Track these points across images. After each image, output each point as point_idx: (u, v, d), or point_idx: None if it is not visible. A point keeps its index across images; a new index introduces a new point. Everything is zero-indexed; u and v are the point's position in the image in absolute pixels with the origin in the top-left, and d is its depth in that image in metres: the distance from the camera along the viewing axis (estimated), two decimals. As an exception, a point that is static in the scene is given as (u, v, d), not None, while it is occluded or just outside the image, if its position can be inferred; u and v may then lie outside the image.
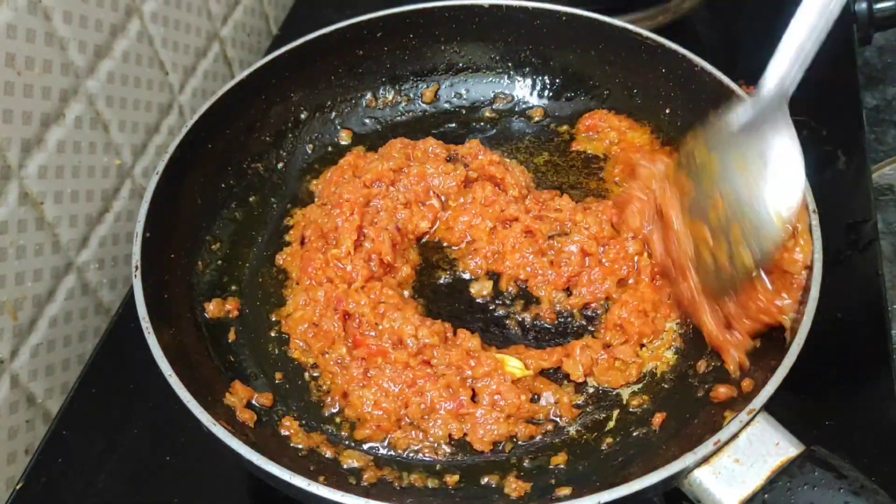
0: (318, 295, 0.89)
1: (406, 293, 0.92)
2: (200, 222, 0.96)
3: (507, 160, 1.03)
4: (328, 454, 0.79)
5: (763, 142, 0.78)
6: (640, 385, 0.84)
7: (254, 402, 0.83)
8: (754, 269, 0.76)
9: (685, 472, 0.68)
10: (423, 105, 1.13)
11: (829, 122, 1.14)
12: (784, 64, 0.79)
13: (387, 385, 0.82)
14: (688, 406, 0.80)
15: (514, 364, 0.83)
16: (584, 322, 0.90)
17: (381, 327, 0.85)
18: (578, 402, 0.83)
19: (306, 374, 0.86)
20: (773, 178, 0.76)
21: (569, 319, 0.90)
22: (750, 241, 0.76)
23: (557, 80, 1.11)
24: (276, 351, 0.89)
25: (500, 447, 0.80)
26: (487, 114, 1.11)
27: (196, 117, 0.94)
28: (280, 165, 1.05)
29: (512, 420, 0.80)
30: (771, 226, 0.75)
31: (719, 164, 0.81)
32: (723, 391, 0.78)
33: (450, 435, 0.80)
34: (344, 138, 1.09)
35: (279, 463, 0.68)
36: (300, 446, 0.79)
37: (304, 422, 0.82)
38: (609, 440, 0.80)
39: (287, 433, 0.80)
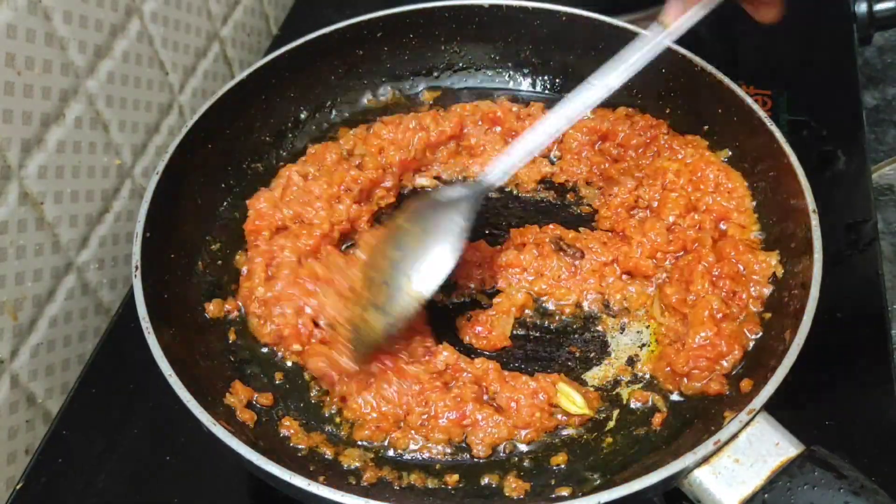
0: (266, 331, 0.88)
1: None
2: (200, 222, 0.96)
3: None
4: (328, 454, 0.79)
5: (443, 220, 0.83)
6: (640, 385, 0.84)
7: (254, 402, 0.83)
8: (380, 335, 0.80)
9: (685, 472, 0.68)
10: (424, 105, 1.12)
11: (829, 122, 1.14)
12: (506, 164, 0.85)
13: (390, 395, 0.81)
14: (688, 406, 0.81)
15: (574, 398, 0.81)
16: (583, 322, 0.90)
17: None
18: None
19: (306, 374, 0.86)
20: (429, 254, 0.81)
21: (567, 320, 0.90)
22: (387, 306, 0.80)
23: (557, 80, 1.11)
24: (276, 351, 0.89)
25: (501, 447, 0.80)
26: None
27: (196, 117, 0.94)
28: (280, 165, 1.05)
29: (512, 425, 0.80)
30: (406, 298, 0.80)
31: (402, 230, 0.85)
32: (714, 387, 0.79)
33: (449, 439, 0.81)
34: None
35: (279, 463, 0.68)
36: (300, 446, 0.79)
37: (304, 422, 0.82)
38: (609, 440, 0.80)
39: (287, 433, 0.80)
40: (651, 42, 0.84)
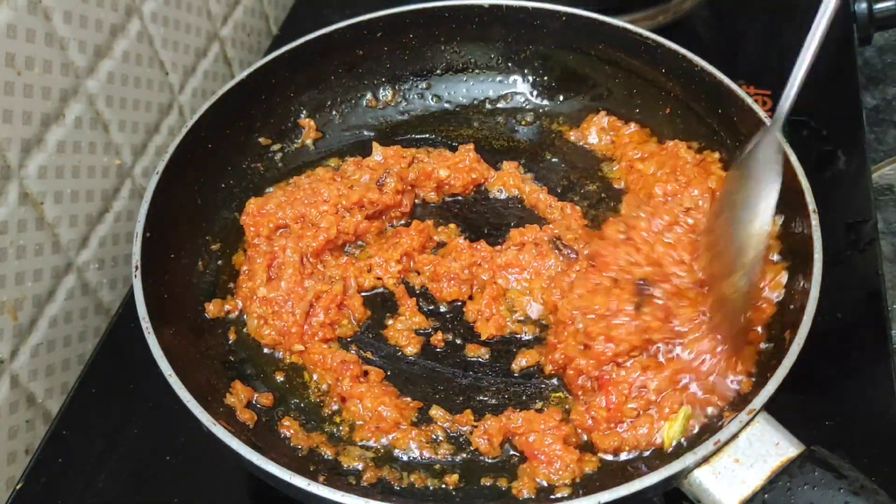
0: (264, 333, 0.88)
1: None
2: (200, 222, 0.96)
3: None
4: (328, 454, 0.79)
5: (752, 165, 0.80)
6: (640, 385, 0.84)
7: (254, 401, 0.83)
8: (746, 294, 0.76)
9: (685, 472, 0.68)
10: (424, 105, 1.12)
11: (829, 122, 1.14)
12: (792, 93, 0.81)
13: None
14: (688, 406, 0.81)
15: (678, 429, 0.75)
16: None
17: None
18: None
19: (306, 374, 0.86)
20: (750, 201, 0.78)
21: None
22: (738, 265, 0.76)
23: (557, 80, 1.11)
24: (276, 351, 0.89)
25: (500, 446, 0.80)
26: (487, 114, 1.11)
27: (196, 117, 0.94)
28: (280, 165, 1.05)
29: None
30: (752, 242, 0.76)
31: (725, 186, 0.84)
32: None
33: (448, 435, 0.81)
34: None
35: (279, 463, 0.68)
36: (300, 446, 0.79)
37: (304, 422, 0.82)
38: (609, 440, 0.80)
39: (287, 433, 0.80)
40: None
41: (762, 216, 0.76)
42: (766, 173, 0.78)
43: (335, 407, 0.83)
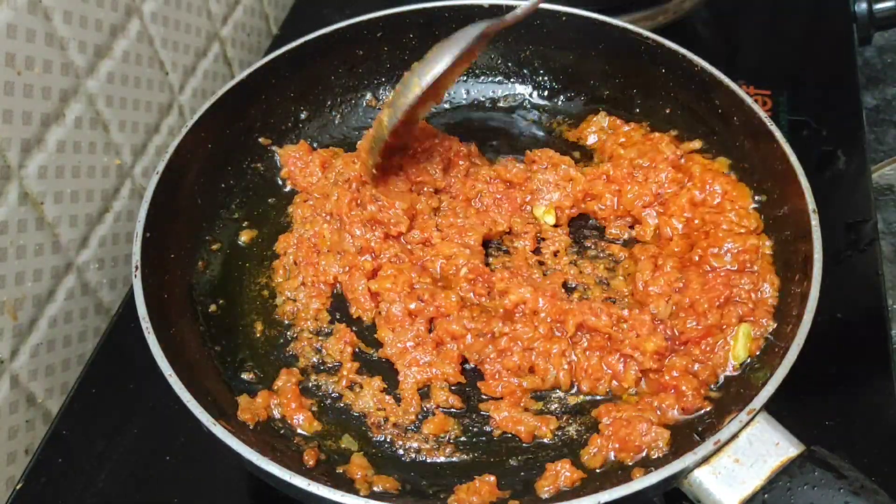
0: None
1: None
2: (200, 222, 0.96)
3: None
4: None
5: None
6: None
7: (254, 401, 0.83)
8: (386, 127, 0.89)
9: (685, 472, 0.68)
10: (423, 105, 1.12)
11: (829, 122, 1.15)
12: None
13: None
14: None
15: (744, 346, 0.80)
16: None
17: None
18: (578, 401, 0.83)
19: (306, 374, 0.86)
20: (432, 53, 0.88)
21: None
22: (394, 102, 0.88)
23: (557, 80, 1.11)
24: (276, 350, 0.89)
25: (500, 448, 0.80)
26: (487, 114, 1.11)
27: (196, 117, 0.94)
28: (280, 165, 1.05)
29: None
30: (409, 90, 0.86)
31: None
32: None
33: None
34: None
35: (279, 463, 0.68)
36: (300, 446, 0.79)
37: (304, 422, 0.82)
38: (609, 440, 0.80)
39: (288, 433, 0.80)
40: None
41: (427, 69, 0.86)
42: (455, 39, 0.88)
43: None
